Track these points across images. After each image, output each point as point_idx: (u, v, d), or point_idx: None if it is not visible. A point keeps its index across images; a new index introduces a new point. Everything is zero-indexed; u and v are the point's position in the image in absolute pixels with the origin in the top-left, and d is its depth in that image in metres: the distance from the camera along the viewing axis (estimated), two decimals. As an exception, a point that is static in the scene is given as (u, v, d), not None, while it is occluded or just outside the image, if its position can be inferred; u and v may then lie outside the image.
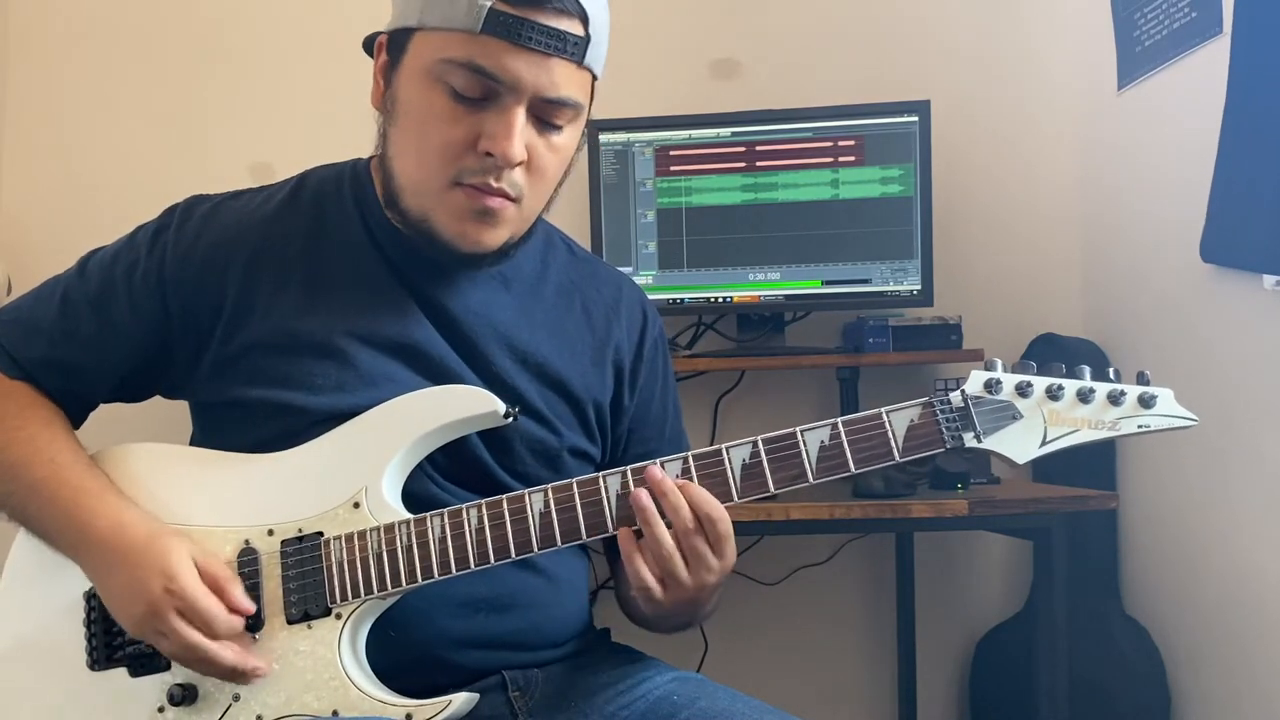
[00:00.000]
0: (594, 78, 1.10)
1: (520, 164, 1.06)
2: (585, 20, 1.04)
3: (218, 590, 1.03)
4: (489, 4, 1.00)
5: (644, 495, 1.01)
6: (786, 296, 2.02)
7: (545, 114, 1.06)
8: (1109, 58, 2.02)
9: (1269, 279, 1.57)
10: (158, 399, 1.22)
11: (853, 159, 2.00)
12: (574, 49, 1.03)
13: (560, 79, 1.04)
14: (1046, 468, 1.89)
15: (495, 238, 1.10)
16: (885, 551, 2.17)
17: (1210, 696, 1.79)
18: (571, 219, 1.20)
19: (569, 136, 1.10)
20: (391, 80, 1.09)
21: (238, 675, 1.03)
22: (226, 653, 1.01)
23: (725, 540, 1.02)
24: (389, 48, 1.10)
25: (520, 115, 1.04)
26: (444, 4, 1.02)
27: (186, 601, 1.00)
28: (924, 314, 2.00)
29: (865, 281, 2.01)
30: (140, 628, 1.03)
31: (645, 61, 2.17)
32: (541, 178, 1.09)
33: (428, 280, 1.14)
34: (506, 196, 1.07)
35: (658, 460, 1.04)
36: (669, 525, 1.01)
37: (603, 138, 2.02)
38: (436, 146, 1.06)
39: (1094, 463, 1.99)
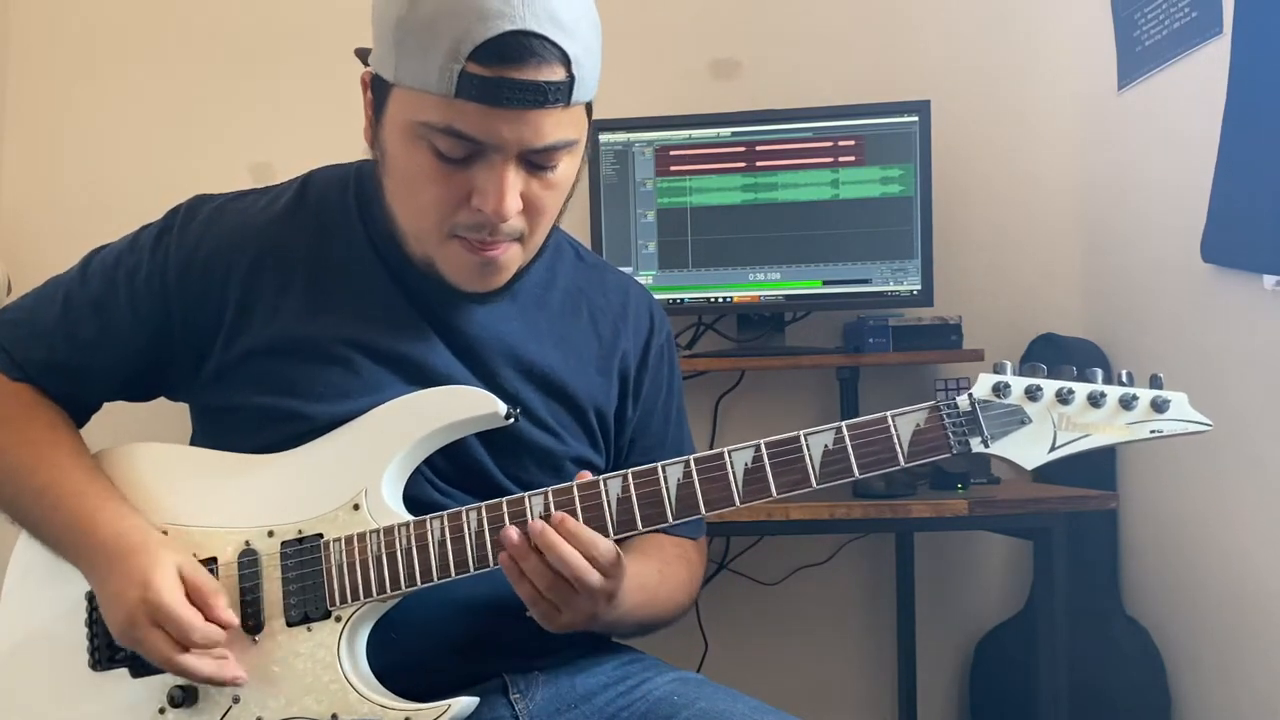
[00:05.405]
0: (588, 104, 1.06)
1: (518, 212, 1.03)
2: (567, 62, 0.97)
3: (201, 602, 1.01)
4: (460, 66, 0.94)
5: (514, 532, 0.98)
6: (786, 296, 2.02)
7: (537, 160, 1.01)
8: (1109, 58, 2.02)
9: (1269, 279, 1.56)
10: (161, 399, 1.21)
11: (853, 159, 2.00)
12: (557, 95, 0.97)
13: (547, 128, 0.99)
14: (1047, 467, 1.88)
15: (500, 279, 1.09)
16: (885, 551, 2.17)
17: (1210, 696, 1.79)
18: (571, 219, 1.19)
19: (565, 169, 1.05)
20: (376, 126, 1.05)
21: (220, 684, 1.02)
22: (200, 664, 1.00)
23: (614, 567, 0.99)
24: (373, 88, 1.05)
25: (509, 171, 1.00)
26: (415, 64, 0.97)
27: (161, 612, 0.99)
28: (924, 314, 1.99)
29: (865, 281, 2.00)
30: (122, 636, 1.03)
31: (645, 61, 2.17)
32: (541, 215, 1.06)
33: (432, 293, 1.13)
34: (507, 241, 1.05)
35: (659, 464, 1.03)
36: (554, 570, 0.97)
37: (603, 138, 2.02)
38: (428, 204, 1.03)
39: (1094, 463, 1.99)
